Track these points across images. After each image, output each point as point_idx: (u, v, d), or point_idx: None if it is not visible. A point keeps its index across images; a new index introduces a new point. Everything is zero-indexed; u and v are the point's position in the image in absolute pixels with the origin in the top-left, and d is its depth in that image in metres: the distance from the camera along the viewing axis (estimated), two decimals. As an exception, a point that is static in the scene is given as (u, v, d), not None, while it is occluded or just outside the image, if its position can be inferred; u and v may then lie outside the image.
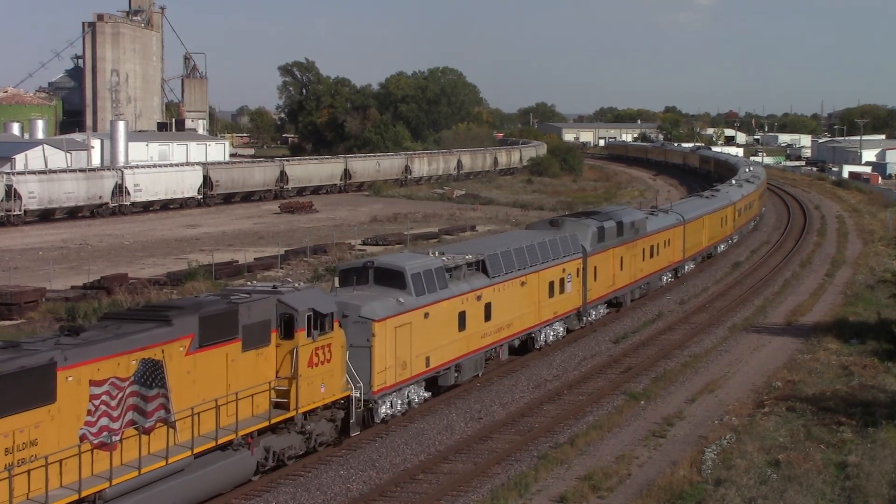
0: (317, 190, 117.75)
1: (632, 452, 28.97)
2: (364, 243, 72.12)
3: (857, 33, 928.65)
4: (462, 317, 34.01)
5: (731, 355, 41.49)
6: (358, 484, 26.63)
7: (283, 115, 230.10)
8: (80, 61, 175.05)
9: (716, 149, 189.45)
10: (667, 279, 57.60)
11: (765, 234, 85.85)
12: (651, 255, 53.16)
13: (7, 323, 44.00)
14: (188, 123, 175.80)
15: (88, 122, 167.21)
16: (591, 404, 34.20)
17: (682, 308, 52.20)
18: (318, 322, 26.52)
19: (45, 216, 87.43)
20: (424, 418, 32.31)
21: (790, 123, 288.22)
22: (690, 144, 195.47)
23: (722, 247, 71.46)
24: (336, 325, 27.46)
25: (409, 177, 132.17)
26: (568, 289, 42.60)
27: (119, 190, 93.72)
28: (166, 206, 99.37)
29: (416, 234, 76.57)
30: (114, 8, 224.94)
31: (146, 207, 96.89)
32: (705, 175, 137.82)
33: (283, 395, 25.99)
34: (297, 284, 27.88)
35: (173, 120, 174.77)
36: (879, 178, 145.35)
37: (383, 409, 30.21)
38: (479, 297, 35.05)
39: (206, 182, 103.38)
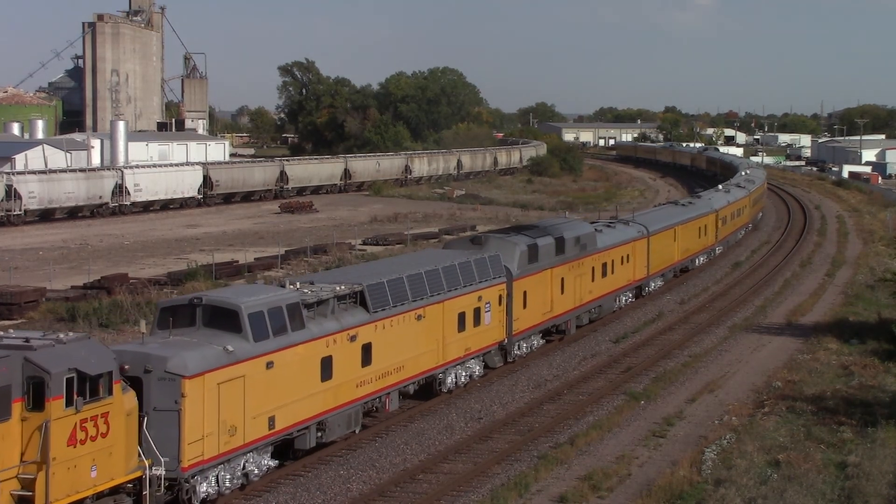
0: (317, 190, 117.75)
1: (632, 452, 28.98)
2: (364, 243, 72.13)
3: (857, 33, 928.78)
4: (327, 363, 27.57)
5: (731, 355, 41.49)
6: (358, 484, 26.63)
7: (283, 115, 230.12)
8: (80, 61, 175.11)
9: (723, 149, 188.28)
10: (626, 300, 51.08)
11: (765, 234, 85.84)
12: (604, 274, 46.46)
13: (7, 323, 43.99)
14: (188, 123, 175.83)
15: (88, 122, 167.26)
16: (591, 404, 34.20)
17: (682, 308, 52.20)
18: (86, 386, 20.86)
19: (46, 216, 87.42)
20: (424, 418, 32.32)
21: (790, 123, 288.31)
22: (699, 145, 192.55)
23: (701, 259, 65.19)
24: (117, 387, 21.61)
25: (409, 177, 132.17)
26: (486, 320, 35.78)
27: (119, 190, 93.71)
28: (166, 206, 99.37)
29: (416, 233, 76.59)
30: (114, 8, 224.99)
31: (146, 207, 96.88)
32: (712, 177, 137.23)
33: (29, 484, 20.25)
34: (63, 335, 21.95)
35: (173, 120, 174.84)
36: (879, 178, 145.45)
37: (204, 488, 23.88)
38: (353, 338, 28.68)
39: (206, 182, 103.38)
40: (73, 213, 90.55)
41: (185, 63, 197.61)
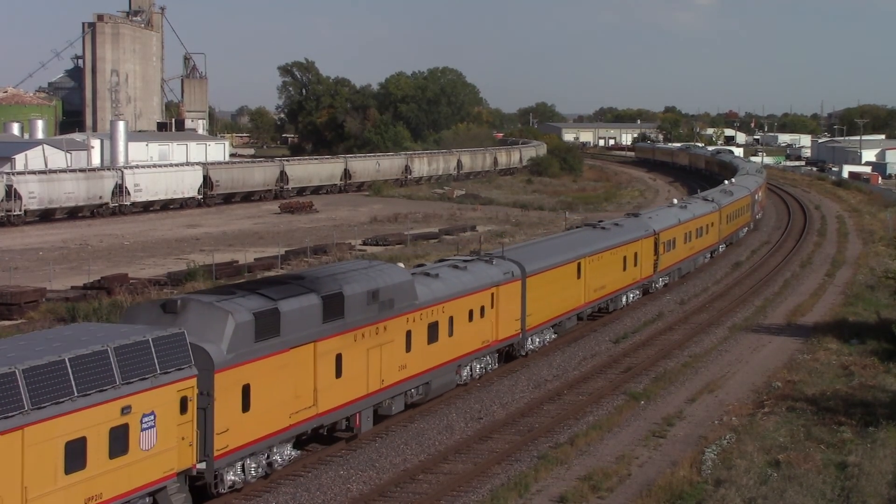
0: (317, 190, 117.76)
1: (632, 452, 28.98)
2: (364, 243, 72.17)
3: (857, 33, 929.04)
4: None
5: (731, 355, 41.49)
6: (358, 484, 26.64)
7: (282, 116, 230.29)
8: (80, 61, 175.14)
9: (737, 151, 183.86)
10: (481, 368, 36.69)
11: (765, 234, 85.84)
12: (433, 339, 32.97)
13: (7, 323, 44.01)
14: (188, 123, 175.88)
15: (88, 122, 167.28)
16: (591, 404, 34.20)
17: (682, 308, 52.19)
18: None
19: (46, 216, 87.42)
20: (424, 418, 32.32)
21: (790, 123, 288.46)
22: (712, 147, 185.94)
23: (632, 295, 52.18)
24: None
25: (409, 177, 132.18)
26: (145, 443, 22.15)
27: (119, 190, 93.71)
28: (166, 206, 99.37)
29: (416, 234, 76.61)
30: (114, 8, 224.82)
31: (146, 207, 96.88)
32: (723, 181, 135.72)
33: None
34: None
35: (173, 120, 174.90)
36: (879, 178, 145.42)
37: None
38: None
39: (206, 182, 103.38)
40: (73, 214, 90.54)
41: (184, 63, 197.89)
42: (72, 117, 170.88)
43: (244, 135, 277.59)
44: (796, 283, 59.78)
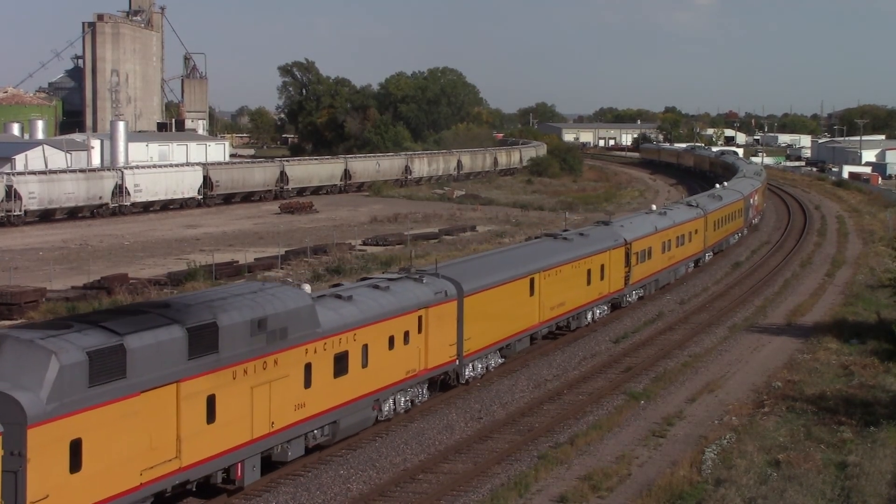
0: (317, 190, 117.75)
1: (632, 452, 28.98)
2: (364, 243, 72.17)
3: (857, 33, 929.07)
4: None
5: (731, 355, 41.50)
6: (358, 484, 26.64)
7: (283, 116, 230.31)
8: (80, 61, 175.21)
9: (738, 151, 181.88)
10: (407, 401, 32.27)
11: (765, 234, 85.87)
12: (342, 372, 28.35)
13: (7, 323, 43.99)
14: (188, 124, 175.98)
15: (88, 122, 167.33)
16: (591, 404, 34.20)
17: (682, 308, 52.19)
18: None
19: (46, 216, 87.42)
20: (424, 418, 32.32)
21: (790, 123, 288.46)
22: (717, 149, 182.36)
23: (599, 311, 47.49)
24: None
25: (409, 177, 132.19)
26: None
27: (119, 190, 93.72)
28: (166, 206, 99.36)
29: (417, 234, 76.61)
30: (114, 8, 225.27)
31: (146, 208, 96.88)
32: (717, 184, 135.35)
33: None
34: None
35: (173, 120, 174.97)
36: (879, 179, 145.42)
37: None
38: None
39: (207, 182, 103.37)
40: (73, 214, 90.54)
41: (185, 63, 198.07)
42: (72, 117, 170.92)
43: (244, 135, 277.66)
44: (796, 283, 59.79)
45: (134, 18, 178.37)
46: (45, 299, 46.90)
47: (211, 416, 23.71)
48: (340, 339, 28.23)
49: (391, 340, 30.64)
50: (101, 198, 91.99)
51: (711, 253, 68.74)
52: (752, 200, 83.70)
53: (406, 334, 31.43)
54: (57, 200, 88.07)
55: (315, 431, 27.67)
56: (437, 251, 66.11)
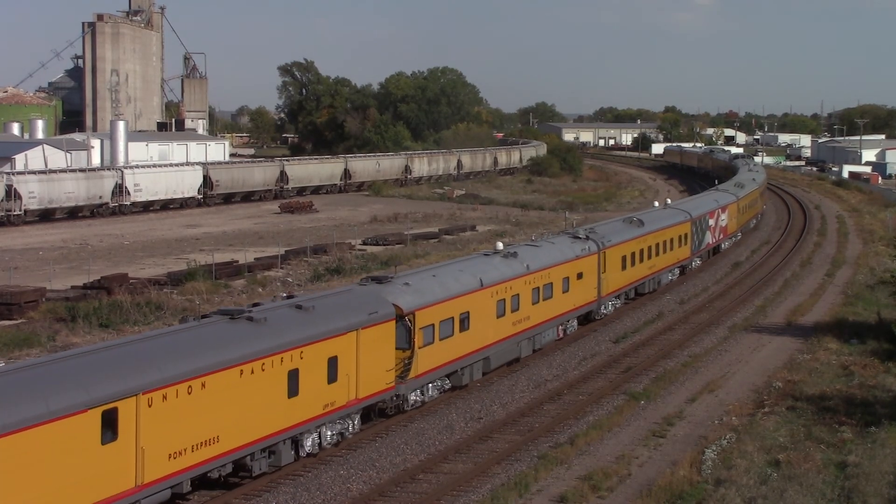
0: (317, 190, 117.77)
1: (632, 452, 28.98)
2: (364, 243, 72.15)
3: (857, 33, 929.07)
4: None
5: (731, 355, 41.48)
6: (358, 484, 26.63)
7: (283, 115, 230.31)
8: (80, 61, 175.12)
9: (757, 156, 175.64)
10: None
11: (765, 233, 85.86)
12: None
13: (7, 323, 43.98)
14: (188, 123, 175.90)
15: (88, 122, 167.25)
16: (591, 404, 34.19)
17: (682, 308, 52.17)
18: None
19: (46, 216, 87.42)
20: (424, 418, 32.31)
21: (790, 123, 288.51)
22: (735, 150, 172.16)
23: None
24: None
25: (409, 177, 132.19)
26: None
27: (119, 190, 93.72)
28: (166, 206, 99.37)
29: (416, 234, 76.60)
30: (114, 8, 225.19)
31: (146, 207, 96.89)
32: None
33: None
34: None
35: (173, 120, 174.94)
36: (879, 178, 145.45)
37: None
38: None
39: (207, 182, 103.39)
40: (73, 213, 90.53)
41: (184, 63, 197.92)
42: (72, 117, 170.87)
43: (244, 135, 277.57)
44: (796, 282, 59.77)
45: (134, 18, 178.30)
46: (44, 299, 46.86)
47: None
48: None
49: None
50: (100, 197, 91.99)
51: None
52: (710, 221, 66.41)
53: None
54: (57, 200, 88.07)
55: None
56: (438, 251, 66.12)
